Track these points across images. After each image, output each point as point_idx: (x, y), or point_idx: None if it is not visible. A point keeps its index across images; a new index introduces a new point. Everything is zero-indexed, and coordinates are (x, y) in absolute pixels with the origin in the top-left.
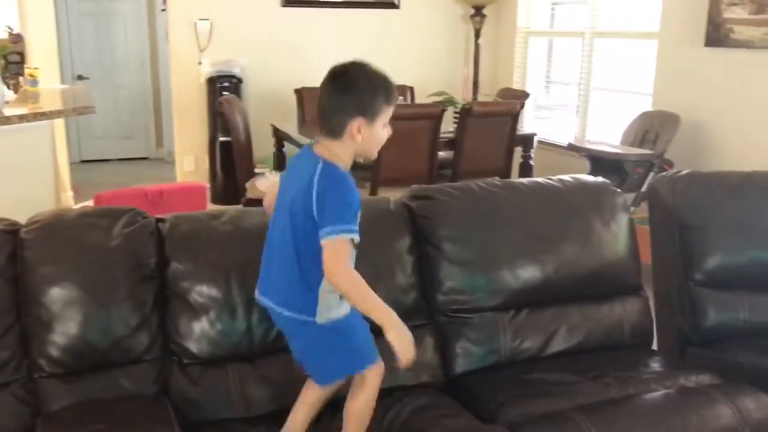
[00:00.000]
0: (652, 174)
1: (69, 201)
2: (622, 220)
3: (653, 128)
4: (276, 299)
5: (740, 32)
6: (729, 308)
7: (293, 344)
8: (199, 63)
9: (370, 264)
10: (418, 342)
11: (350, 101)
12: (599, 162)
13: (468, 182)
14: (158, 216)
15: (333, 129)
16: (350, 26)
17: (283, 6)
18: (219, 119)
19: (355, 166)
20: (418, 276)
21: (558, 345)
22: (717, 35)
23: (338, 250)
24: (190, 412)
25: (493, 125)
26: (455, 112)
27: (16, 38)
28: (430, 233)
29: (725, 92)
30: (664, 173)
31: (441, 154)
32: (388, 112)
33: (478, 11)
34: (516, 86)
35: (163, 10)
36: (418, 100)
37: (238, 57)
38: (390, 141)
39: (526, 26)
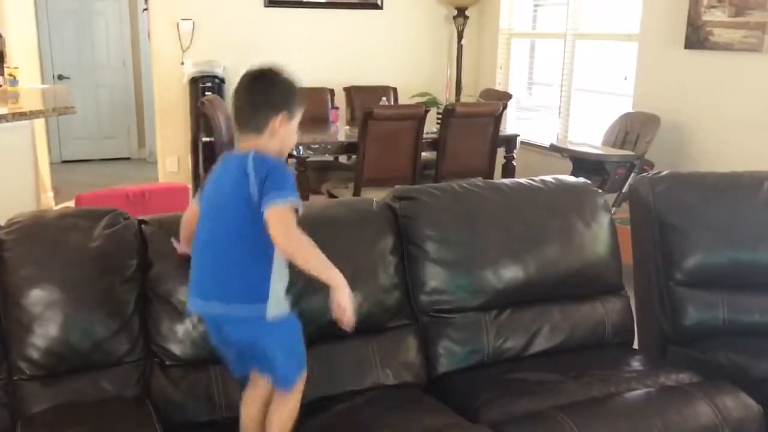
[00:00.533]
0: (633, 175)
1: (49, 202)
2: (604, 220)
3: (634, 129)
4: (224, 299)
5: (720, 35)
6: (709, 307)
7: (237, 350)
8: (182, 63)
9: (353, 264)
10: (402, 342)
11: (275, 97)
12: (581, 163)
13: (451, 183)
14: (141, 217)
15: (256, 125)
16: (333, 27)
17: (266, 6)
18: (202, 119)
19: (339, 167)
20: (401, 276)
21: (540, 344)
22: (697, 37)
23: (283, 216)
24: (172, 413)
25: (475, 126)
26: (438, 113)
27: None
28: (413, 233)
29: (705, 94)
30: (645, 174)
31: (424, 154)
32: (300, 113)
33: (461, 12)
34: (498, 87)
35: (145, 9)
36: (401, 100)
37: (221, 57)
38: (373, 141)
39: (509, 27)
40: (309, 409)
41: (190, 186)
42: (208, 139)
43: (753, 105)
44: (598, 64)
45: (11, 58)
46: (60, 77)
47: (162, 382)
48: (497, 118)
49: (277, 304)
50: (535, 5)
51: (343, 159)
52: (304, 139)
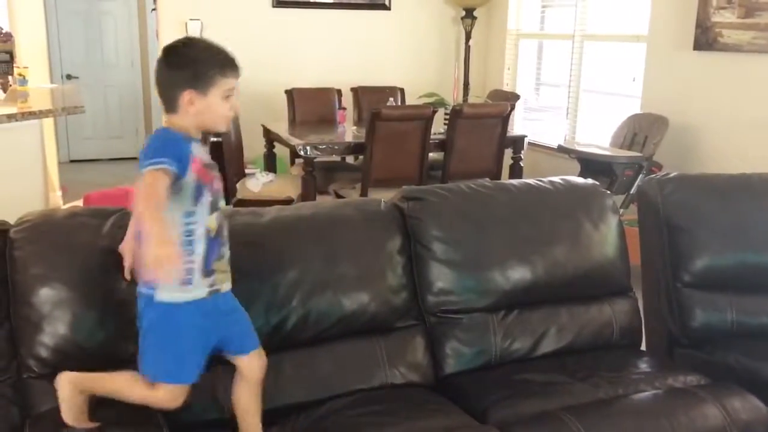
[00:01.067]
0: (641, 176)
1: (58, 201)
2: (612, 221)
3: (642, 131)
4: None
5: (729, 36)
6: (717, 309)
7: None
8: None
9: (361, 264)
10: (409, 342)
11: (180, 75)
12: (589, 164)
13: (458, 183)
14: None
15: (169, 103)
16: (341, 27)
17: (274, 7)
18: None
19: (346, 168)
20: (409, 277)
21: (548, 346)
22: (705, 39)
23: (148, 180)
24: (179, 413)
25: (483, 127)
26: (446, 114)
27: (6, 37)
28: (420, 234)
29: (713, 96)
30: (653, 176)
31: (431, 155)
32: (224, 84)
33: (469, 13)
34: (506, 88)
35: (154, 9)
36: (409, 101)
37: None
38: (380, 142)
39: (517, 28)
40: (318, 407)
41: None
42: (216, 139)
43: (762, 106)
44: (606, 65)
45: (21, 58)
46: (69, 77)
47: None
48: (505, 119)
49: (170, 289)
50: (543, 6)
51: (350, 159)
52: (311, 140)
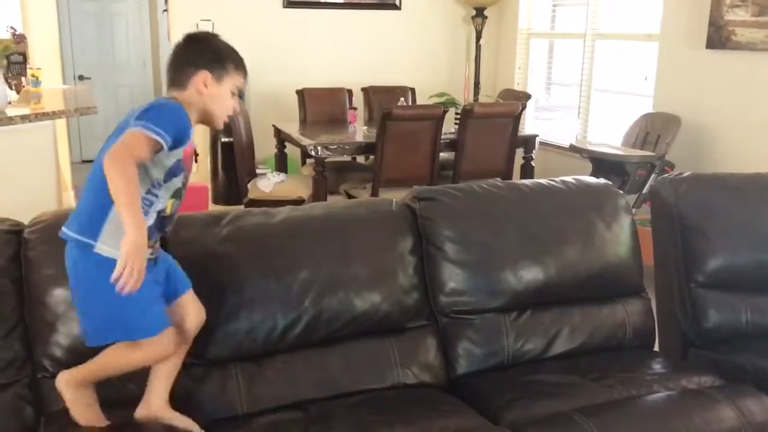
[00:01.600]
0: (653, 176)
1: (71, 201)
2: (625, 221)
3: (654, 130)
4: (67, 222)
5: (742, 34)
6: (731, 310)
7: (72, 287)
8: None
9: (373, 264)
10: (421, 342)
11: (200, 56)
12: (601, 163)
13: (470, 183)
14: None
15: (179, 80)
16: (352, 27)
17: (285, 7)
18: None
19: (357, 168)
20: (421, 277)
21: (560, 346)
22: (718, 37)
23: (131, 140)
24: (194, 411)
25: (494, 126)
26: (456, 113)
27: (19, 38)
28: (432, 234)
29: (726, 94)
30: (666, 175)
31: (442, 155)
32: (236, 78)
33: (480, 12)
34: (517, 87)
35: (165, 10)
36: (420, 101)
37: None
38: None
39: (527, 28)
40: (329, 406)
41: (209, 186)
42: (227, 139)
43: None
44: (618, 64)
45: (34, 59)
46: (81, 78)
47: (183, 380)
48: (516, 119)
49: (113, 238)
50: (554, 5)
51: (360, 159)
52: (322, 140)
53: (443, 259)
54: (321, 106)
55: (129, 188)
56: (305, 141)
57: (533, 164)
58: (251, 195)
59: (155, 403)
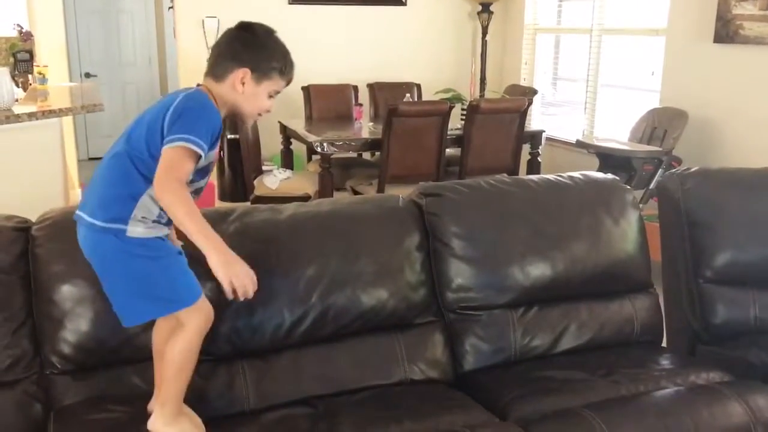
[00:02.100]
0: (660, 171)
1: (77, 198)
2: (632, 217)
3: (661, 125)
4: (89, 209)
5: (750, 28)
6: (739, 306)
7: (101, 274)
8: (207, 61)
9: (380, 261)
10: (428, 338)
11: (246, 52)
12: (608, 159)
13: (477, 179)
14: None
15: (217, 71)
16: (357, 23)
17: (291, 3)
18: (226, 117)
19: (363, 164)
20: (428, 273)
21: (568, 342)
22: (726, 31)
23: (175, 160)
24: (201, 407)
25: (500, 122)
26: (463, 109)
27: (26, 36)
28: (439, 230)
29: (734, 89)
30: (674, 170)
31: (448, 151)
32: (277, 83)
33: (486, 8)
34: (523, 83)
35: (171, 7)
36: (426, 97)
37: None
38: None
39: (534, 23)
40: (336, 402)
41: (215, 182)
42: (233, 136)
43: None
44: (625, 59)
45: (40, 57)
46: (87, 75)
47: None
48: (522, 114)
49: (144, 223)
50: (560, 0)
51: (366, 156)
52: (328, 136)
53: (450, 255)
54: (327, 103)
55: (190, 216)
56: (311, 137)
57: (540, 160)
58: (257, 192)
59: None
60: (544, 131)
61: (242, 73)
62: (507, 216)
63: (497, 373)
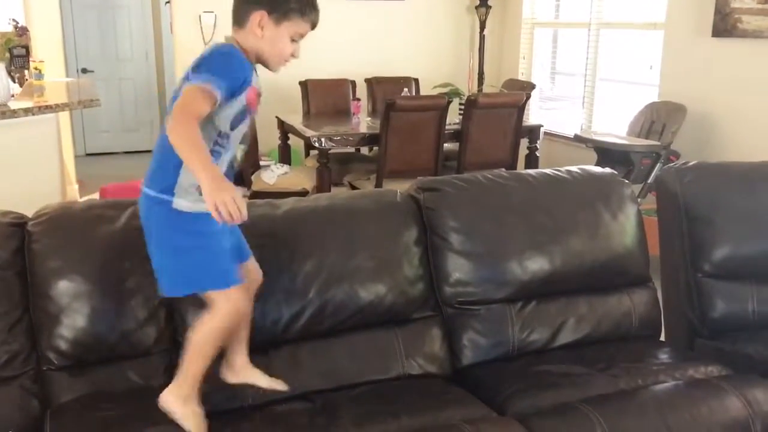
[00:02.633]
0: (659, 165)
1: (74, 194)
2: (631, 211)
3: (660, 119)
4: (145, 178)
5: (748, 22)
6: (737, 299)
7: (149, 242)
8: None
9: (378, 255)
10: (426, 333)
11: None
12: (606, 153)
13: (475, 174)
14: None
15: (238, 17)
16: (355, 18)
17: None
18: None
19: (361, 159)
20: (426, 268)
21: (566, 337)
22: (724, 25)
23: (188, 98)
24: (201, 403)
25: (498, 116)
26: (460, 104)
27: (22, 31)
28: (437, 225)
29: (732, 83)
30: (672, 164)
31: (446, 145)
32: (298, 24)
33: (483, 2)
34: (521, 77)
35: (167, 2)
36: (423, 91)
37: None
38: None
39: (532, 17)
40: (335, 397)
41: None
42: None
43: None
44: (623, 53)
45: (36, 52)
46: (84, 70)
47: None
48: (520, 109)
49: (187, 193)
50: None
51: (364, 150)
52: (326, 131)
53: (448, 249)
54: (324, 98)
55: (195, 152)
56: (309, 132)
57: (538, 154)
58: (255, 187)
59: (241, 365)
60: (542, 126)
61: (259, 16)
62: (505, 210)
63: (495, 367)
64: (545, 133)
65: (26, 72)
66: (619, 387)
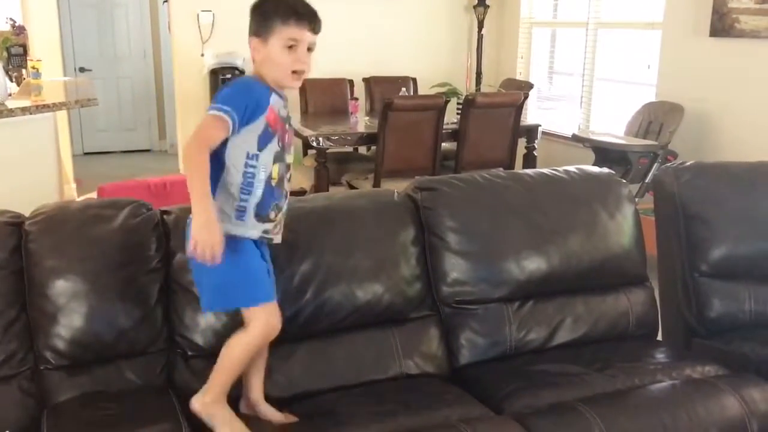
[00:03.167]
0: (656, 165)
1: (72, 193)
2: (628, 210)
3: (657, 119)
4: None
5: (746, 22)
6: (734, 299)
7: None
8: (202, 55)
9: (375, 255)
10: (424, 333)
11: (250, 22)
12: (603, 153)
13: (472, 173)
14: (163, 208)
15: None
16: (353, 17)
17: None
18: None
19: (358, 158)
20: (423, 267)
21: (563, 336)
22: (722, 25)
23: (202, 126)
24: None
25: (496, 116)
26: (458, 103)
27: (19, 30)
28: (434, 224)
29: (730, 83)
30: (669, 164)
31: (444, 145)
32: (282, 31)
33: (481, 2)
34: (519, 77)
35: (165, 1)
36: (421, 91)
37: (241, 49)
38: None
39: (529, 16)
40: (332, 397)
41: None
42: None
43: None
44: (621, 52)
45: (34, 51)
46: (82, 69)
47: (185, 372)
48: (518, 108)
49: (221, 216)
50: None
51: (362, 150)
52: (323, 130)
53: (445, 249)
54: (322, 97)
55: (197, 179)
56: (307, 132)
57: (536, 154)
58: None
59: (255, 400)
60: (540, 125)
61: (252, 43)
62: (502, 210)
63: (493, 367)
64: (543, 133)
65: (24, 71)
66: (616, 386)
